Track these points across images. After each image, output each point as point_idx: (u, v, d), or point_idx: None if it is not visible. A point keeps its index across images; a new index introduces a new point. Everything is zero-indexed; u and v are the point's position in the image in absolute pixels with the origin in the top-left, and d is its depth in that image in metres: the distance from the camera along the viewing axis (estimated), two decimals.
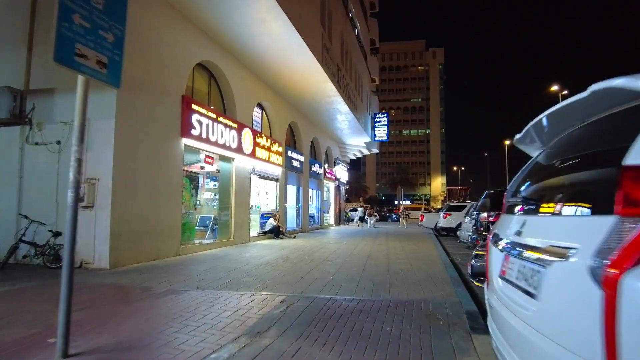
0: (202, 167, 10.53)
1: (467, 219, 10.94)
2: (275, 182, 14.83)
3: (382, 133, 25.92)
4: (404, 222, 25.94)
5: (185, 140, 9.10)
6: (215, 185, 11.23)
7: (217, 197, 11.06)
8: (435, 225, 18.59)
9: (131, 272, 6.56)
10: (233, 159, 11.40)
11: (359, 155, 29.55)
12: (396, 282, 6.01)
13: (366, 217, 26.33)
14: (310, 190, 19.64)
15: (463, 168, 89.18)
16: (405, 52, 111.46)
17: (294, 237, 14.11)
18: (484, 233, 7.79)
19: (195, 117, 9.27)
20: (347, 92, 17.02)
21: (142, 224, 7.70)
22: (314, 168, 19.85)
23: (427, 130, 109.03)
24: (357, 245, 11.79)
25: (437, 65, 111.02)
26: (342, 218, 27.05)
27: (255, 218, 13.68)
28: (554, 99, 30.52)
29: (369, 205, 35.26)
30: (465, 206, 16.44)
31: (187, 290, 5.25)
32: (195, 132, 9.27)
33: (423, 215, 20.67)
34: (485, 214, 7.77)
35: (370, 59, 27.60)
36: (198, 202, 11.65)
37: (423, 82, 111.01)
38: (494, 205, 7.79)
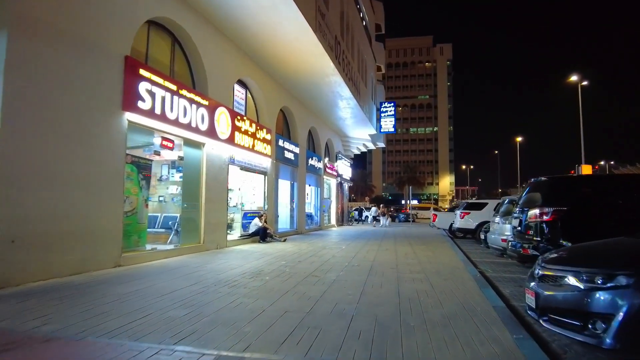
0: (157, 153, 8.35)
1: (498, 219, 8.61)
2: (263, 176, 12.63)
3: (388, 124, 23.58)
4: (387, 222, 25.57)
5: (130, 116, 6.93)
6: (181, 177, 9.04)
7: (181, 191, 8.87)
8: (450, 226, 16.24)
9: (12, 297, 4.38)
10: (203, 144, 9.21)
11: (364, 149, 27.22)
12: (412, 319, 3.76)
13: (379, 216, 24.54)
14: (307, 186, 17.41)
15: (472, 167, 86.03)
16: (412, 48, 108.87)
17: (284, 240, 11.90)
18: (534, 239, 5.49)
19: (144, 86, 7.09)
20: (348, 72, 14.77)
21: (56, 224, 5.55)
22: (312, 162, 17.62)
23: (435, 128, 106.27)
24: (359, 252, 9.55)
25: (445, 61, 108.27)
26: (345, 218, 24.79)
27: (237, 218, 11.51)
28: (571, 92, 27.93)
29: (375, 204, 33.20)
30: (486, 204, 14.08)
31: (49, 340, 3.07)
32: (144, 105, 7.09)
33: (435, 215, 18.23)
34: (536, 212, 5.46)
35: (375, 45, 25.32)
36: (161, 198, 9.50)
37: (430, 79, 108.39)
38: (549, 198, 5.48)
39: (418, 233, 17.38)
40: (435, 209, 36.85)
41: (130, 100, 6.83)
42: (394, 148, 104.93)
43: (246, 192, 12.37)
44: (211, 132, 9.19)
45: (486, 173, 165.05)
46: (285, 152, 14.24)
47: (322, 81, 13.64)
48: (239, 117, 10.50)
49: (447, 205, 72.16)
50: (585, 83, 28.31)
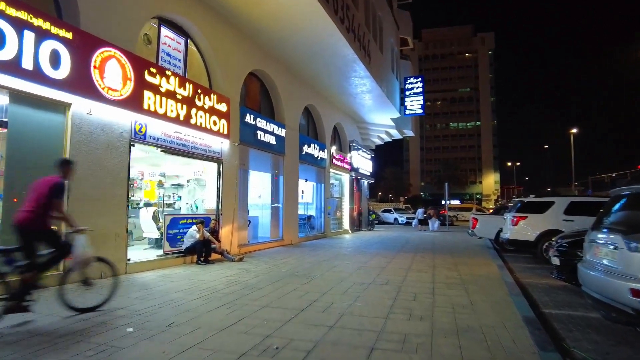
0: None
1: (607, 235, 3.83)
2: (215, 164, 8.79)
3: (415, 105, 18.98)
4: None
5: None
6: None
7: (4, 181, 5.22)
8: (497, 234, 11.56)
9: None
10: (68, 104, 5.52)
11: (387, 139, 22.67)
12: None
13: (427, 218, 20.76)
14: (303, 181, 13.42)
15: (518, 164, 77.28)
16: (451, 38, 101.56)
17: (240, 259, 7.99)
18: None
19: None
20: (346, 21, 10.63)
21: None
22: (310, 150, 13.61)
23: (477, 123, 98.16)
24: (332, 289, 5.44)
25: (487, 51, 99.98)
26: (363, 222, 20.48)
27: (169, 227, 7.75)
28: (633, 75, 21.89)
29: (422, 205, 28.60)
30: (552, 203, 9.32)
31: None
32: None
33: (476, 220, 13.42)
34: None
35: (399, 13, 20.88)
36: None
37: (471, 71, 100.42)
38: None
39: (452, 244, 12.88)
40: (477, 210, 31.29)
41: None
42: (432, 145, 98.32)
43: (196, 189, 8.63)
44: (84, 86, 5.48)
45: (533, 171, 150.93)
46: (260, 132, 10.34)
47: (309, 30, 9.61)
48: (152, 70, 6.72)
49: (491, 206, 65.09)
50: None
